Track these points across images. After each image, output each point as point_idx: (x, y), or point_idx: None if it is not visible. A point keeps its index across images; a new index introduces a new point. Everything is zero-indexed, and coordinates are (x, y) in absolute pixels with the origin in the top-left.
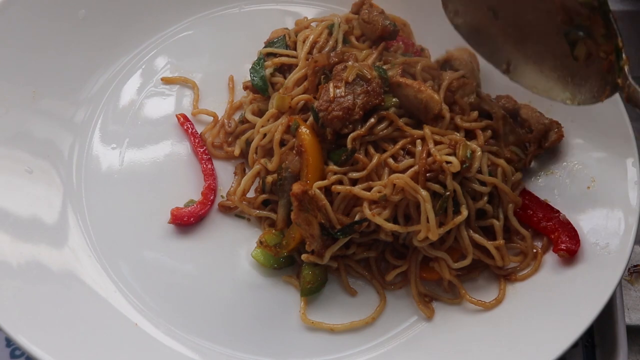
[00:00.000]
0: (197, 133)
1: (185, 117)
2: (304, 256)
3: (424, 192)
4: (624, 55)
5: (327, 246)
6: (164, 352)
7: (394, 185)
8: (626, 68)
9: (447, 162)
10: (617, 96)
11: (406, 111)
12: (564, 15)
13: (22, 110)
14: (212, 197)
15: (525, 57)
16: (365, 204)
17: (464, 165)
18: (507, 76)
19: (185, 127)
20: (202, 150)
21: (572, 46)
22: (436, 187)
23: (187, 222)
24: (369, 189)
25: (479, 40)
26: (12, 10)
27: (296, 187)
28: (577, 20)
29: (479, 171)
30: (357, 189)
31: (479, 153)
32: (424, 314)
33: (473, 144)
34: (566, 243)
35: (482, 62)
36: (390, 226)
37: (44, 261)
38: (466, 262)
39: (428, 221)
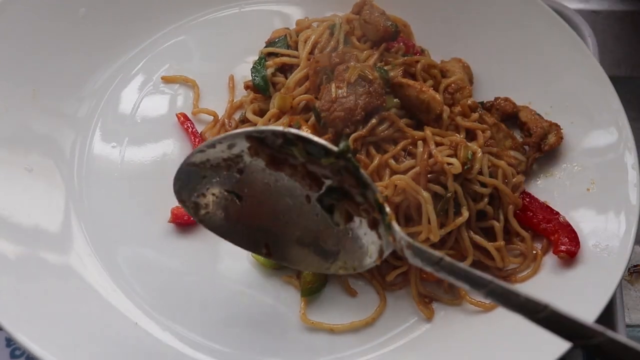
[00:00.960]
0: (198, 132)
1: (185, 116)
2: None
3: (425, 194)
4: (387, 210)
5: None
6: (164, 351)
7: (395, 186)
8: (394, 224)
9: (448, 164)
10: (616, 96)
11: (407, 112)
12: (312, 181)
13: (22, 109)
14: None
15: (283, 236)
16: None
17: (466, 167)
18: (270, 259)
19: (186, 127)
20: None
21: (331, 213)
22: (437, 188)
23: (187, 221)
24: None
25: (228, 229)
26: (12, 9)
27: None
28: (327, 183)
29: (480, 172)
30: None
31: (480, 154)
32: (423, 315)
33: (474, 145)
34: (566, 245)
35: (476, 73)
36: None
37: (44, 259)
38: (467, 263)
39: (429, 222)
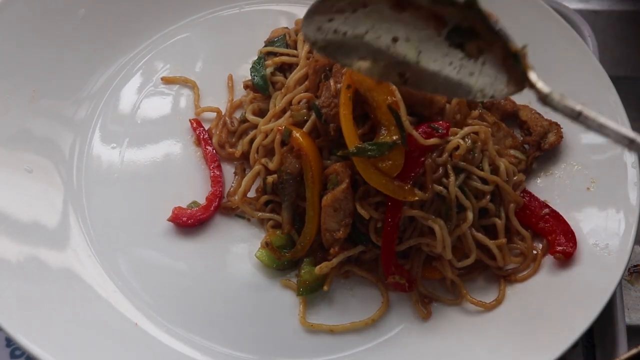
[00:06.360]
0: (210, 140)
1: (198, 122)
2: (317, 268)
3: (439, 220)
4: (522, 59)
5: (344, 248)
6: (164, 352)
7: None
8: (531, 74)
9: (456, 148)
10: (616, 96)
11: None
12: (437, 22)
13: (22, 110)
14: (215, 204)
15: (416, 64)
16: (371, 226)
17: (473, 154)
18: (406, 87)
19: (198, 133)
20: (212, 157)
21: (462, 47)
22: (439, 188)
23: (184, 223)
24: None
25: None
26: (12, 10)
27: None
28: (451, 21)
29: (481, 169)
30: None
31: (484, 135)
32: (421, 315)
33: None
34: (563, 245)
35: None
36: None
37: (44, 260)
38: (470, 261)
39: (443, 239)
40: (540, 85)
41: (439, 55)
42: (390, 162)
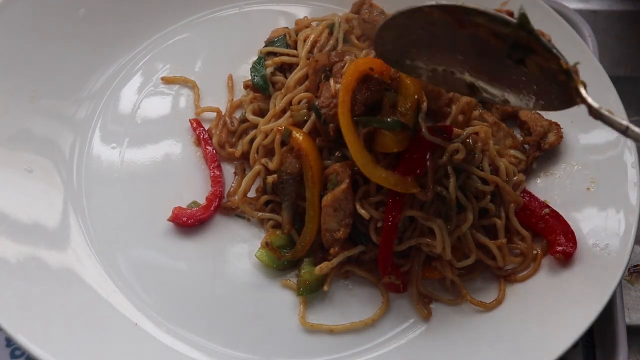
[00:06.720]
0: (210, 140)
1: (198, 122)
2: (317, 269)
3: (438, 221)
4: (574, 76)
5: (344, 248)
6: (164, 352)
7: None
8: (582, 90)
9: (455, 151)
10: (616, 96)
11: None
12: (496, 39)
13: (22, 110)
14: (215, 204)
15: (483, 76)
16: (372, 226)
17: (473, 153)
18: (474, 97)
19: (198, 133)
20: (212, 157)
21: (523, 64)
22: (439, 189)
23: (184, 223)
24: None
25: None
26: (12, 9)
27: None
28: (509, 39)
29: (481, 169)
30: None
31: (484, 134)
32: (421, 315)
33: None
34: (563, 245)
35: None
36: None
37: (44, 260)
38: (470, 261)
39: (443, 239)
40: (590, 100)
41: (504, 69)
42: (394, 137)
